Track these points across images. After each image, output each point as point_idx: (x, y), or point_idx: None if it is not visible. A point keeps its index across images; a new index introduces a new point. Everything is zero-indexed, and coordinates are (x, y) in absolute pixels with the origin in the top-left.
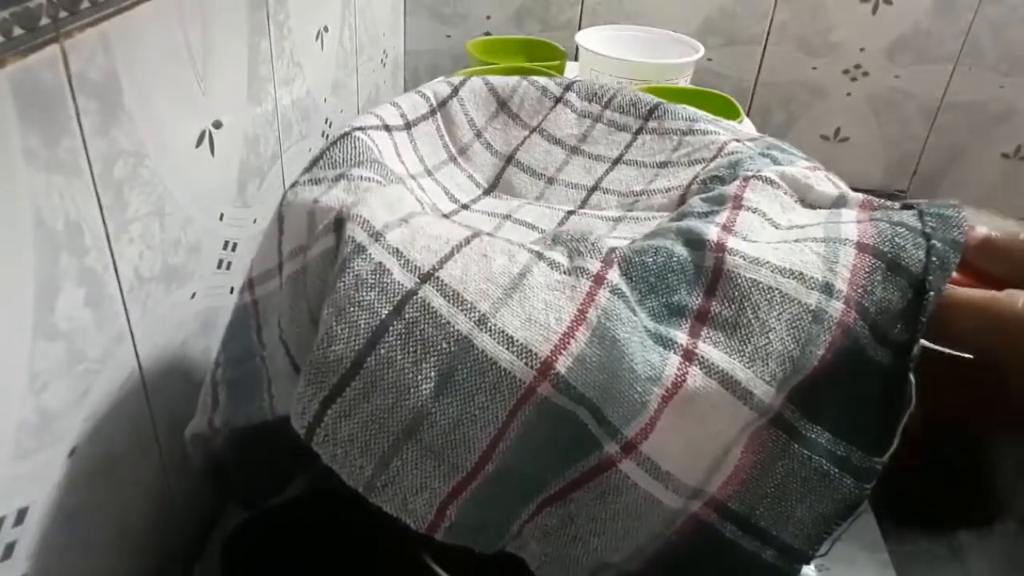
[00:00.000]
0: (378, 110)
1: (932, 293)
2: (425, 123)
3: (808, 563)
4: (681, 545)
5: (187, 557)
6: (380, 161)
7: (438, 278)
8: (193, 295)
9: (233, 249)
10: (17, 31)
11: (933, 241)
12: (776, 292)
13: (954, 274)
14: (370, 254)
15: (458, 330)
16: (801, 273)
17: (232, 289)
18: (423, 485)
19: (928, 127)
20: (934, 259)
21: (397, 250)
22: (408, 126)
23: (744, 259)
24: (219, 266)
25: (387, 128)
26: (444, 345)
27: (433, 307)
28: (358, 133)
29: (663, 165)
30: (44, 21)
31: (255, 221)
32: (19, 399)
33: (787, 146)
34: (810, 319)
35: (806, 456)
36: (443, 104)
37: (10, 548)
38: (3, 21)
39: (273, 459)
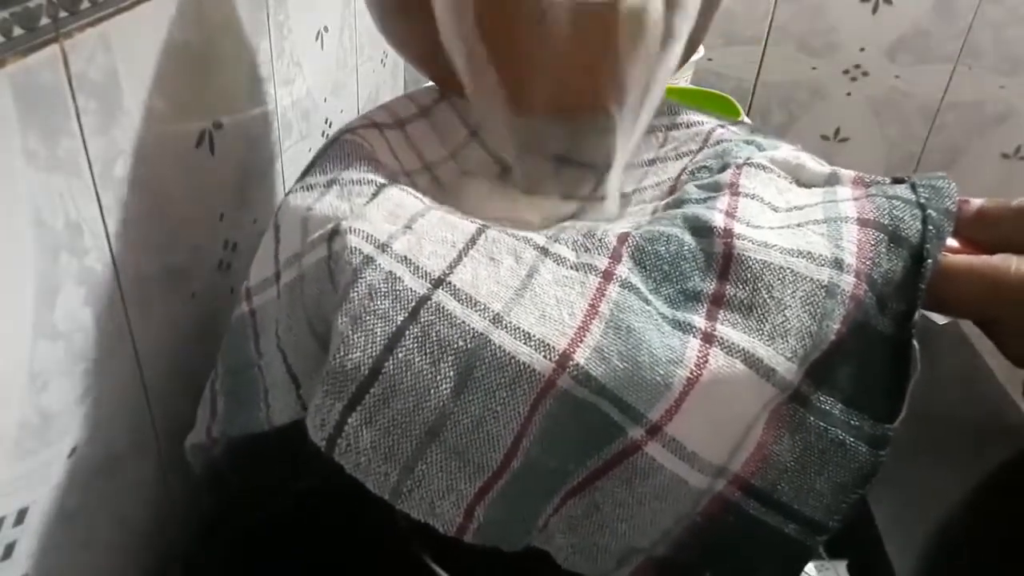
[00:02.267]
0: (368, 113)
1: (930, 261)
2: (418, 122)
3: (828, 534)
4: (707, 526)
5: (187, 557)
6: (373, 157)
7: (450, 283)
8: (193, 295)
9: (233, 249)
10: (17, 31)
11: (928, 211)
12: (788, 271)
13: (953, 243)
14: (379, 264)
15: (474, 328)
16: (810, 252)
17: (232, 289)
18: (449, 488)
19: (928, 127)
20: (930, 228)
21: (406, 258)
22: (400, 124)
23: (752, 243)
24: (219, 266)
25: (377, 126)
26: (461, 343)
27: (448, 309)
28: (347, 136)
29: (651, 163)
30: (44, 21)
31: (255, 221)
32: (19, 399)
33: (768, 135)
34: (824, 294)
35: (822, 428)
36: (435, 104)
37: (10, 548)
38: (3, 21)
39: (272, 468)
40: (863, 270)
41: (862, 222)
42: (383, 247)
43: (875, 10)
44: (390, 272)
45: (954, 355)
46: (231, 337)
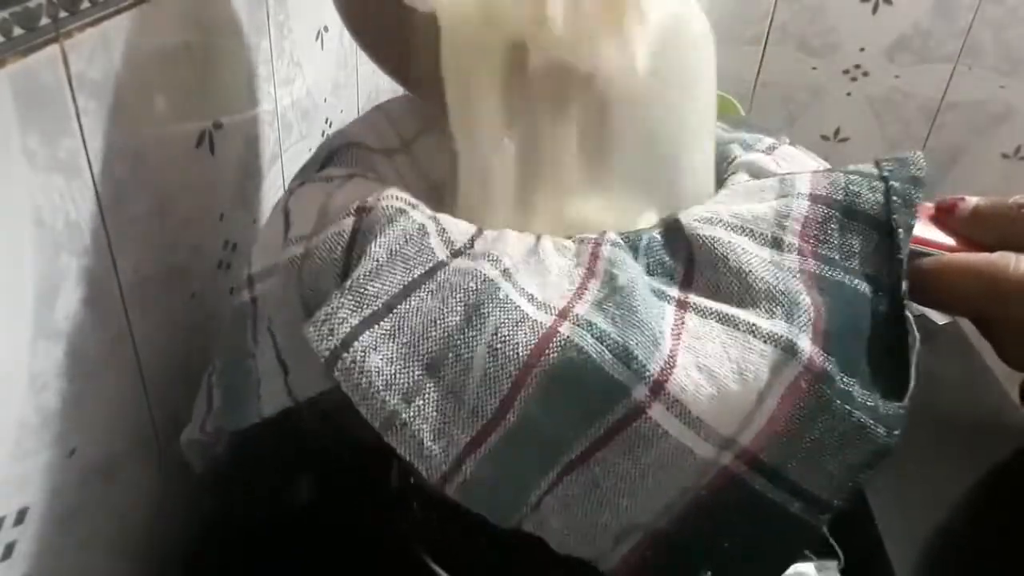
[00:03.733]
0: (376, 122)
1: (901, 230)
2: (422, 137)
3: (833, 513)
4: (710, 500)
5: (187, 558)
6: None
7: (469, 253)
8: (193, 295)
9: (233, 249)
10: (17, 31)
11: (891, 182)
12: (738, 246)
13: (950, 242)
14: (412, 217)
15: (485, 274)
16: (752, 230)
17: (232, 289)
18: (442, 431)
19: (928, 127)
20: (895, 198)
21: (435, 217)
22: (406, 146)
23: (698, 221)
24: (219, 266)
25: (387, 153)
26: (472, 285)
27: (462, 267)
28: (363, 152)
29: None
30: (44, 21)
31: (255, 221)
32: (19, 399)
33: (752, 123)
34: (774, 268)
35: (846, 411)
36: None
37: (10, 548)
38: (3, 21)
39: (271, 463)
40: (807, 248)
41: (813, 198)
42: (414, 206)
43: (875, 10)
44: (422, 225)
45: (954, 355)
46: (229, 328)
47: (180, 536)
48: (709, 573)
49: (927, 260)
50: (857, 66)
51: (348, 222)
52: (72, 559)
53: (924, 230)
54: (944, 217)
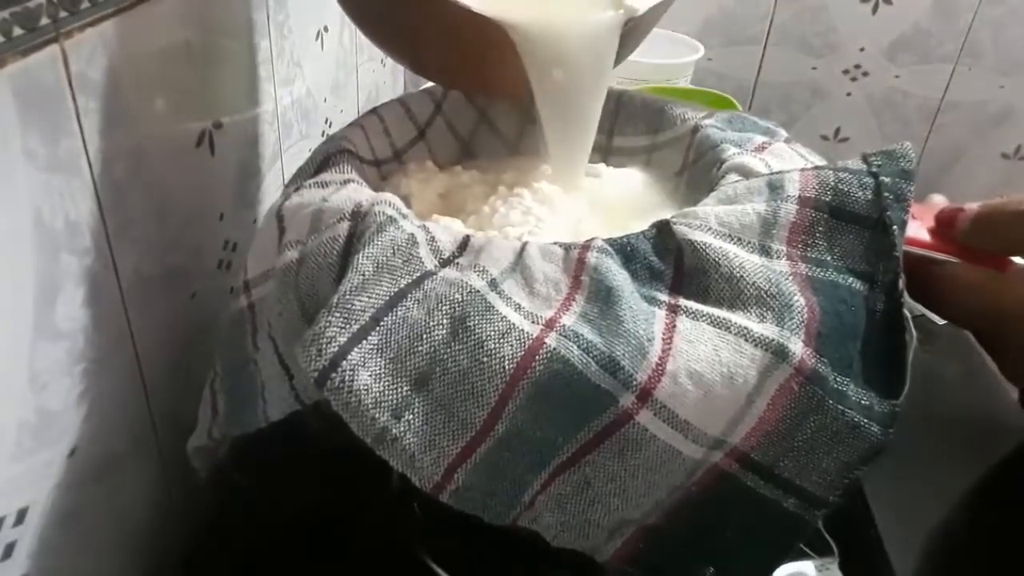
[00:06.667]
0: (370, 129)
1: (895, 227)
2: (414, 149)
3: (828, 509)
4: (701, 496)
5: (187, 557)
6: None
7: (457, 263)
8: (193, 295)
9: (233, 249)
10: (17, 31)
11: (882, 178)
12: (729, 251)
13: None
14: (402, 226)
15: (472, 285)
16: (740, 238)
17: (232, 289)
18: (432, 443)
19: (928, 127)
20: (886, 194)
21: (424, 226)
22: (397, 156)
23: (687, 227)
24: (219, 266)
25: (376, 164)
26: (457, 296)
27: (449, 278)
28: (356, 160)
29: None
30: (44, 21)
31: (255, 221)
32: (19, 399)
33: (746, 118)
34: (766, 271)
35: (839, 411)
36: (429, 124)
37: (10, 548)
38: (3, 21)
39: (277, 467)
40: (795, 253)
41: (802, 201)
42: (405, 215)
43: (875, 10)
44: (411, 235)
45: (954, 355)
46: (228, 333)
47: (180, 536)
48: (711, 568)
49: (936, 269)
50: (857, 66)
51: (343, 227)
52: (72, 559)
53: (930, 234)
54: (945, 229)
